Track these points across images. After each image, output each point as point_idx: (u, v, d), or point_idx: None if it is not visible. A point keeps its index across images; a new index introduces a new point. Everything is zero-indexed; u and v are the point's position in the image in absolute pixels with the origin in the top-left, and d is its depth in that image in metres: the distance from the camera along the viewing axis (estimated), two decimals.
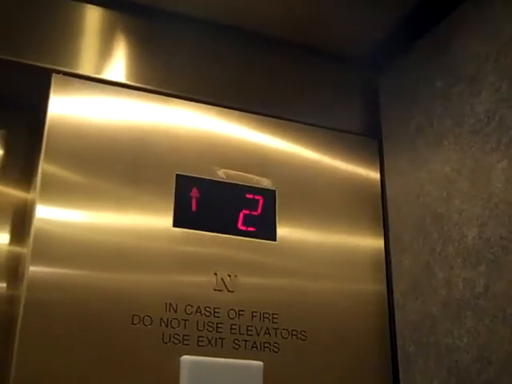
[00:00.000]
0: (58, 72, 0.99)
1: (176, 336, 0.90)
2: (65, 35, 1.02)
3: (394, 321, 1.03)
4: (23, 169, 1.01)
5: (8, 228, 0.98)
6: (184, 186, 0.99)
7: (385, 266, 1.07)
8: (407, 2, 1.06)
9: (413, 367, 0.97)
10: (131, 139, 0.99)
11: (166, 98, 1.04)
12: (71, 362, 0.84)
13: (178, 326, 0.91)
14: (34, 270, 0.86)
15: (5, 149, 1.03)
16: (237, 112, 1.07)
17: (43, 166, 0.92)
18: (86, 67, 1.02)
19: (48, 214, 0.90)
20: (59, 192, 0.91)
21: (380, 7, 1.07)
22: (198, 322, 0.92)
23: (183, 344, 0.90)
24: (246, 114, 1.08)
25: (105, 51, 1.04)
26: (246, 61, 1.12)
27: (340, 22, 1.10)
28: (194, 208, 0.98)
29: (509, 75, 0.88)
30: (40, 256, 0.87)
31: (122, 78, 1.04)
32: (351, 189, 1.10)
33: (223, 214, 1.00)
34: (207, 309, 0.93)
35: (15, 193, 1.00)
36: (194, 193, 0.99)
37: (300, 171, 1.07)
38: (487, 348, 0.84)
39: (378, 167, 1.13)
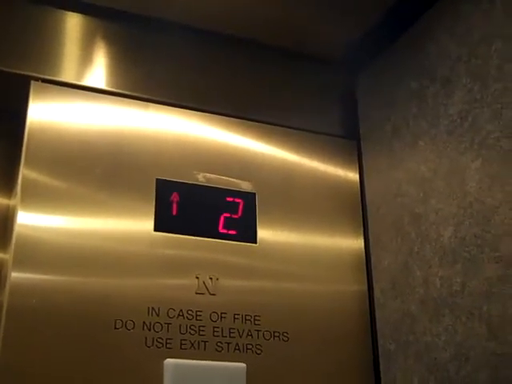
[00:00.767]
0: (37, 79, 0.99)
1: (159, 339, 0.91)
2: (44, 42, 1.03)
3: (374, 320, 1.04)
4: (4, 175, 1.02)
5: None
6: (164, 190, 0.99)
7: (365, 266, 1.08)
8: (383, 3, 1.08)
9: (393, 365, 0.98)
10: (111, 144, 0.99)
11: (145, 103, 1.04)
12: (54, 366, 0.85)
13: (161, 329, 0.92)
14: (15, 275, 0.87)
15: None
16: (216, 116, 1.08)
17: (23, 173, 0.92)
18: (65, 74, 1.02)
19: (29, 219, 0.90)
20: (40, 198, 0.92)
21: (356, 9, 1.08)
22: (180, 325, 0.93)
23: (166, 347, 0.91)
24: (226, 117, 1.08)
25: (84, 58, 1.05)
26: (226, 65, 1.13)
27: (316, 23, 1.11)
28: (174, 212, 0.99)
29: (480, 76, 0.90)
30: (22, 262, 0.87)
31: (101, 84, 1.04)
32: (331, 190, 1.12)
33: (204, 218, 1.01)
34: (189, 312, 0.94)
35: None
36: (175, 197, 1.00)
37: (279, 173, 1.09)
38: (464, 345, 0.86)
39: (357, 168, 1.15)
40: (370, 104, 1.14)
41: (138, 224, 0.96)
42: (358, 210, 1.12)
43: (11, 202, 1.00)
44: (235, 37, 1.14)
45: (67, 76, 1.03)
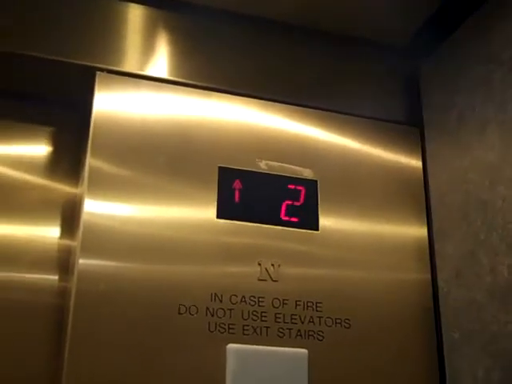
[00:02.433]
0: (102, 70, 1.01)
1: (222, 325, 0.92)
2: (108, 33, 1.05)
3: (438, 308, 1.03)
4: (71, 164, 1.04)
5: (58, 222, 1.01)
6: (227, 178, 1.00)
7: (428, 254, 1.07)
8: None
9: (458, 355, 0.96)
10: (174, 133, 1.00)
11: (208, 92, 1.05)
12: (119, 350, 0.87)
13: (224, 315, 0.93)
14: (83, 262, 0.89)
15: (53, 146, 1.06)
16: (278, 104, 1.08)
17: (90, 161, 0.94)
18: (129, 64, 1.04)
19: (96, 207, 0.92)
20: (106, 186, 0.94)
21: None
22: (242, 311, 0.94)
23: (229, 333, 0.92)
24: (287, 105, 1.08)
25: (147, 48, 1.06)
26: (287, 53, 1.13)
27: (380, 10, 1.10)
28: (236, 200, 1.00)
29: None
30: (89, 249, 0.90)
31: (163, 73, 1.06)
32: (393, 177, 1.10)
33: (266, 205, 1.01)
34: (252, 298, 0.95)
35: (64, 188, 1.03)
36: (237, 184, 1.00)
37: (341, 161, 1.08)
38: None
39: (420, 155, 1.13)
40: (434, 91, 1.12)
41: (200, 211, 0.97)
42: (421, 197, 1.10)
43: (78, 191, 1.02)
44: (297, 25, 1.13)
45: (131, 66, 1.04)
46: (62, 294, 0.97)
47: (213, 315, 0.92)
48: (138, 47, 1.06)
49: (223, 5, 1.10)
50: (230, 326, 0.92)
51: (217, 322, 0.92)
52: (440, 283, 1.03)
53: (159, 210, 0.95)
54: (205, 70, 1.07)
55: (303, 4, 1.10)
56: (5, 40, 0.99)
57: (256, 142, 1.04)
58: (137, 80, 1.03)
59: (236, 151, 1.03)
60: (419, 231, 1.08)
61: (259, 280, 0.96)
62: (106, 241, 0.91)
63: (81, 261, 0.89)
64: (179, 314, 0.91)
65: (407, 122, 1.15)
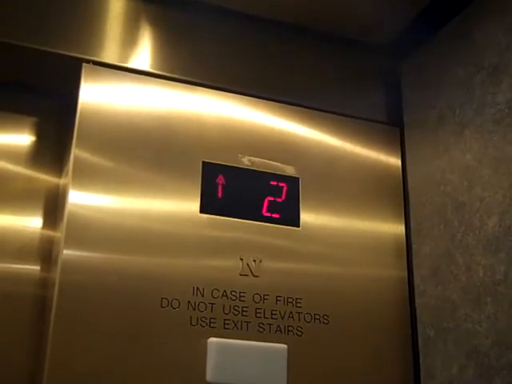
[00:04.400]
0: (88, 61, 1.02)
1: (203, 319, 0.93)
2: (94, 25, 1.05)
3: (414, 306, 1.05)
4: (55, 155, 1.05)
5: (41, 212, 1.01)
6: (210, 173, 1.01)
7: (406, 252, 1.09)
8: None
9: (432, 351, 0.99)
10: (159, 126, 1.01)
11: (192, 86, 1.06)
12: (103, 342, 0.88)
13: (205, 309, 0.94)
14: (67, 253, 0.89)
15: (37, 136, 1.06)
16: (262, 100, 1.09)
17: (75, 152, 0.94)
18: (114, 56, 1.04)
19: (80, 198, 0.93)
20: (90, 177, 0.94)
21: None
22: (224, 305, 0.95)
23: (210, 327, 0.93)
24: (271, 102, 1.10)
25: (132, 41, 1.07)
26: (271, 50, 1.14)
27: (364, 9, 1.11)
28: (219, 195, 1.01)
29: None
30: (73, 239, 0.90)
31: (149, 66, 1.06)
32: (373, 175, 1.12)
33: (248, 201, 1.02)
34: (233, 293, 0.96)
35: (47, 178, 1.04)
36: (220, 180, 1.01)
37: (323, 158, 1.10)
38: (506, 333, 0.86)
39: (400, 155, 1.15)
40: (415, 91, 1.14)
41: (184, 205, 0.98)
42: (399, 196, 1.13)
43: (61, 181, 1.03)
44: (280, 22, 1.14)
45: (117, 59, 1.04)
46: (45, 284, 0.97)
47: (194, 309, 0.93)
48: (124, 40, 1.07)
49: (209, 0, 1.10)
50: (211, 320, 0.94)
51: (198, 316, 0.93)
52: (416, 281, 1.05)
53: (143, 202, 0.96)
54: (189, 65, 1.08)
55: (290, 2, 1.10)
56: None
57: (239, 138, 1.05)
58: (123, 72, 1.03)
59: (219, 146, 1.04)
60: (397, 228, 1.11)
61: (241, 275, 0.98)
62: (90, 232, 0.91)
63: (65, 251, 0.89)
64: (161, 307, 0.92)
65: (388, 122, 1.17)
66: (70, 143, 0.97)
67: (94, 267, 0.90)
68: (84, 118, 0.97)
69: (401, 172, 1.14)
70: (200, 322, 0.93)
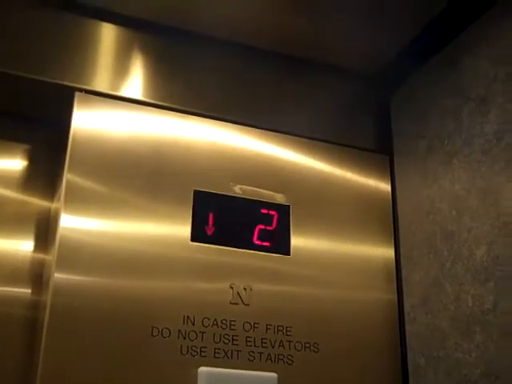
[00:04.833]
0: (81, 90, 1.03)
1: (194, 348, 0.93)
2: (87, 54, 1.06)
3: (404, 333, 1.06)
4: (47, 180, 1.05)
5: (32, 235, 1.02)
6: (201, 201, 1.02)
7: (395, 276, 1.10)
8: (419, 22, 1.09)
9: (423, 380, 0.99)
10: (149, 153, 1.02)
11: (183, 114, 1.07)
12: (93, 367, 0.88)
13: (196, 338, 0.94)
14: (58, 276, 0.90)
15: (29, 162, 1.06)
16: (252, 128, 1.10)
17: (67, 177, 0.95)
18: (107, 85, 1.06)
19: (72, 222, 0.93)
20: (82, 202, 0.95)
21: (392, 25, 1.10)
22: (214, 334, 0.95)
23: (200, 356, 0.93)
24: (261, 130, 1.11)
25: (124, 70, 1.08)
26: (260, 78, 1.15)
27: (353, 39, 1.13)
28: (210, 223, 1.01)
29: None
30: (65, 263, 0.91)
31: (140, 95, 1.07)
32: (363, 202, 1.13)
33: (239, 229, 1.03)
34: (223, 321, 0.96)
35: (39, 202, 1.04)
36: (211, 208, 1.02)
37: (313, 186, 1.11)
38: (495, 363, 0.87)
39: (389, 182, 1.16)
40: (404, 120, 1.16)
41: (175, 232, 0.99)
42: (389, 221, 1.14)
43: (53, 205, 1.03)
44: (270, 51, 1.16)
45: (109, 87, 1.06)
46: (36, 306, 0.97)
47: (185, 338, 0.93)
48: (116, 68, 1.08)
49: (200, 29, 1.12)
50: (202, 349, 0.94)
51: (189, 345, 0.93)
52: (407, 309, 1.06)
53: (134, 226, 0.97)
54: (180, 93, 1.09)
55: (280, 32, 1.12)
56: None
57: (230, 166, 1.06)
58: (114, 101, 1.04)
59: (210, 175, 1.04)
60: (387, 253, 1.11)
61: (231, 303, 0.98)
62: (82, 255, 0.92)
63: (56, 275, 0.90)
64: (152, 335, 0.92)
65: (377, 150, 1.18)
66: (63, 169, 0.98)
67: (85, 291, 0.90)
68: (76, 144, 0.98)
69: (390, 199, 1.15)
70: (190, 350, 0.93)
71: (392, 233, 1.13)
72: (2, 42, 1.01)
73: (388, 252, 1.11)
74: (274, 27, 1.12)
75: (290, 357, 0.98)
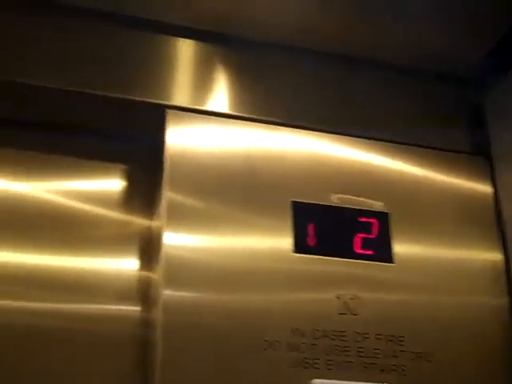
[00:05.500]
0: (171, 107, 1.03)
1: (306, 360, 0.91)
2: (171, 71, 1.08)
3: None
4: (144, 198, 1.05)
5: (135, 254, 1.02)
6: (300, 212, 1.00)
7: (505, 281, 1.05)
8: (507, 21, 1.07)
9: None
10: (243, 166, 1.01)
11: (275, 126, 1.06)
12: (208, 381, 0.87)
13: (307, 350, 0.92)
14: (167, 293, 0.89)
15: (127, 182, 1.07)
16: (346, 137, 1.09)
17: (167, 195, 0.95)
18: (194, 101, 1.06)
19: (175, 239, 0.93)
20: (183, 219, 0.95)
21: (484, 26, 1.08)
22: (325, 345, 0.93)
23: (313, 368, 0.91)
24: (355, 138, 1.09)
25: (208, 84, 1.09)
26: (351, 86, 1.14)
27: (443, 42, 1.11)
28: (311, 233, 0.99)
29: None
30: (172, 280, 0.90)
31: (228, 109, 1.08)
32: (462, 206, 1.10)
33: (340, 239, 1.01)
34: (334, 333, 0.94)
35: (139, 221, 1.04)
36: (311, 218, 1.00)
37: (411, 192, 1.08)
38: None
39: (489, 183, 1.12)
40: (500, 121, 1.12)
41: (277, 244, 0.98)
42: (492, 225, 1.09)
43: (153, 223, 1.03)
44: (358, 58, 1.15)
45: (196, 102, 1.06)
46: (145, 324, 0.96)
47: (296, 350, 0.91)
48: (201, 84, 1.08)
49: (281, 40, 1.11)
50: (314, 361, 0.91)
51: (300, 357, 0.91)
52: None
53: (236, 240, 0.96)
54: (269, 105, 1.09)
55: (368, 39, 1.11)
56: (80, 81, 1.01)
57: (326, 176, 1.05)
58: (203, 116, 1.05)
59: (308, 185, 1.03)
60: (494, 257, 1.07)
61: (339, 314, 0.95)
62: (188, 272, 0.91)
63: (165, 292, 0.89)
64: (264, 349, 0.90)
65: (474, 152, 1.15)
66: (160, 186, 0.98)
67: (194, 306, 0.89)
68: (173, 162, 0.98)
69: (492, 200, 1.11)
70: (303, 363, 0.91)
71: (497, 235, 1.08)
72: (92, 66, 1.03)
73: (495, 255, 1.07)
74: (359, 35, 1.11)
75: (403, 367, 0.95)
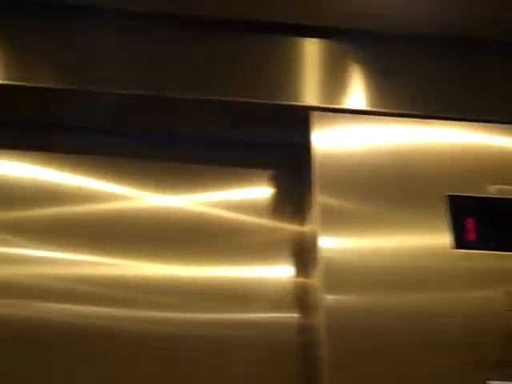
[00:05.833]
0: (314, 109, 1.02)
1: (478, 360, 0.86)
2: (307, 72, 1.08)
3: None
4: (293, 203, 1.04)
5: (288, 261, 1.01)
6: (457, 206, 0.96)
7: None
8: None
9: None
10: (396, 164, 0.99)
11: (423, 120, 1.03)
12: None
13: (479, 350, 0.87)
14: (329, 298, 0.88)
15: (275, 188, 1.07)
16: (496, 124, 1.03)
17: (319, 199, 0.94)
18: (334, 100, 1.05)
19: (330, 243, 0.92)
20: (337, 221, 0.93)
21: None
22: (496, 345, 0.88)
23: (485, 368, 0.86)
24: (506, 125, 1.03)
25: (344, 82, 1.08)
26: (497, 73, 1.09)
27: None
28: (471, 227, 0.95)
29: None
30: (332, 285, 0.89)
31: (369, 106, 1.06)
32: None
33: (503, 232, 0.95)
34: (504, 331, 0.89)
35: (289, 226, 1.04)
36: (469, 212, 0.96)
37: None
38: None
39: None
40: None
41: (434, 241, 0.94)
42: None
43: (305, 228, 1.02)
44: (487, 39, 1.09)
45: (338, 102, 1.05)
46: (304, 330, 0.95)
47: (467, 350, 0.87)
48: (338, 82, 1.07)
49: (406, 28, 1.08)
50: (487, 362, 0.86)
51: (473, 358, 0.86)
52: None
53: (392, 240, 0.93)
54: (407, 98, 1.06)
55: (493, 17, 1.05)
56: (223, 91, 1.02)
57: (482, 167, 1.00)
58: (346, 115, 1.03)
59: (462, 178, 0.99)
60: None
61: (507, 311, 0.90)
62: (347, 275, 0.90)
63: (327, 297, 0.88)
64: (433, 350, 0.86)
65: None
66: (310, 190, 0.97)
67: (358, 309, 0.88)
68: (321, 165, 0.97)
69: None
70: (476, 363, 0.86)
71: None
72: (223, 71, 1.04)
73: None
74: (483, 15, 1.06)
75: None
